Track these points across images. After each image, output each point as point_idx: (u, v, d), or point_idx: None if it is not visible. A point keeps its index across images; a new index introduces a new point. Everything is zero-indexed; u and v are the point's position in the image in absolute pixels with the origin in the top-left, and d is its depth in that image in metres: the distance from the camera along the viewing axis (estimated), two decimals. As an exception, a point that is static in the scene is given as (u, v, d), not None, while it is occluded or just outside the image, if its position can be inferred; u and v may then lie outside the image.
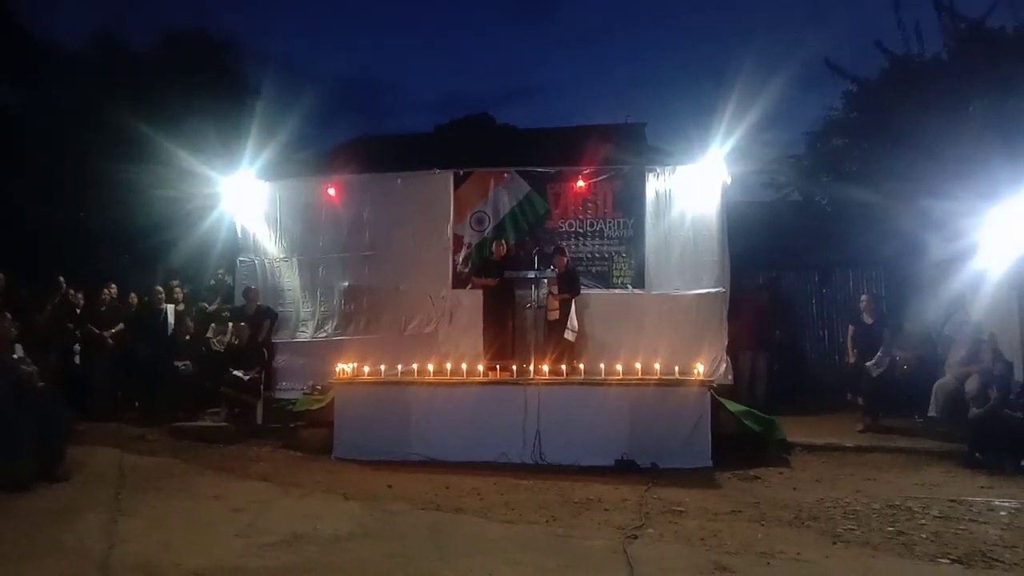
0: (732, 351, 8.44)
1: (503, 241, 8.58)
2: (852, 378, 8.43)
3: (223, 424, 8.03)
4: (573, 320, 8.12)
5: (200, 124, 11.08)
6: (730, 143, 8.38)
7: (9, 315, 6.39)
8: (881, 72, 9.77)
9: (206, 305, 9.75)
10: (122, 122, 10.52)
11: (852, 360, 8.42)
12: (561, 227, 8.98)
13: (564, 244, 8.72)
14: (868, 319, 8.49)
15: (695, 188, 8.62)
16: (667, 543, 4.57)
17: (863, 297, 8.88)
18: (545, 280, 7.77)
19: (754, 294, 9.24)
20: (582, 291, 8.48)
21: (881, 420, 7.90)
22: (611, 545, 4.51)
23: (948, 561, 4.26)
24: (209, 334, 9.34)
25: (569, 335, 8.03)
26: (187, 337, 9.15)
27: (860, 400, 8.16)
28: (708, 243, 8.52)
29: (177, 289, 9.72)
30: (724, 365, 8.28)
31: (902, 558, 4.32)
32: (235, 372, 8.15)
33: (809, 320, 10.89)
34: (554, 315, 7.92)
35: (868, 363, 8.04)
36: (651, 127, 13.61)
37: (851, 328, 8.70)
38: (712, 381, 7.06)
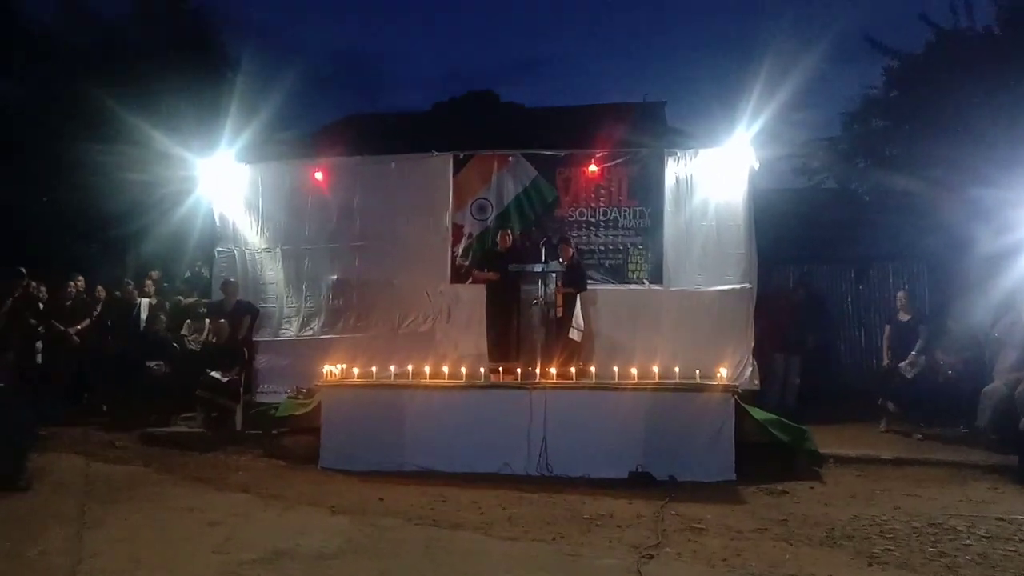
0: (759, 353, 8.44)
1: (508, 231, 8.57)
2: (883, 380, 8.45)
3: (199, 430, 8.06)
4: (578, 318, 8.12)
5: (175, 101, 11.11)
6: (758, 124, 8.35)
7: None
8: (926, 47, 9.72)
9: (181, 299, 9.78)
10: (90, 99, 10.55)
11: (887, 362, 8.43)
12: (571, 216, 8.98)
13: (574, 235, 8.74)
14: (904, 316, 8.50)
15: (719, 174, 8.59)
16: (686, 563, 4.56)
17: (900, 293, 8.86)
18: (553, 274, 7.77)
19: (785, 291, 9.22)
20: (594, 287, 8.49)
21: (922, 429, 7.90)
22: (624, 565, 4.50)
23: (995, 585, 4.25)
24: (184, 331, 9.38)
25: (574, 334, 8.02)
26: (160, 334, 9.18)
27: (889, 405, 8.19)
28: (733, 234, 8.51)
29: (150, 282, 9.74)
30: (750, 369, 8.25)
31: (945, 582, 4.32)
32: (212, 373, 8.17)
33: (844, 320, 10.87)
34: (559, 312, 7.91)
35: (901, 363, 8.04)
36: (671, 106, 13.63)
37: (887, 328, 8.70)
38: (736, 386, 7.06)
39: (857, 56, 10.46)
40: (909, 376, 7.97)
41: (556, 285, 7.79)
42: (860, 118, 10.71)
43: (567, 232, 8.78)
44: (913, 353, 8.01)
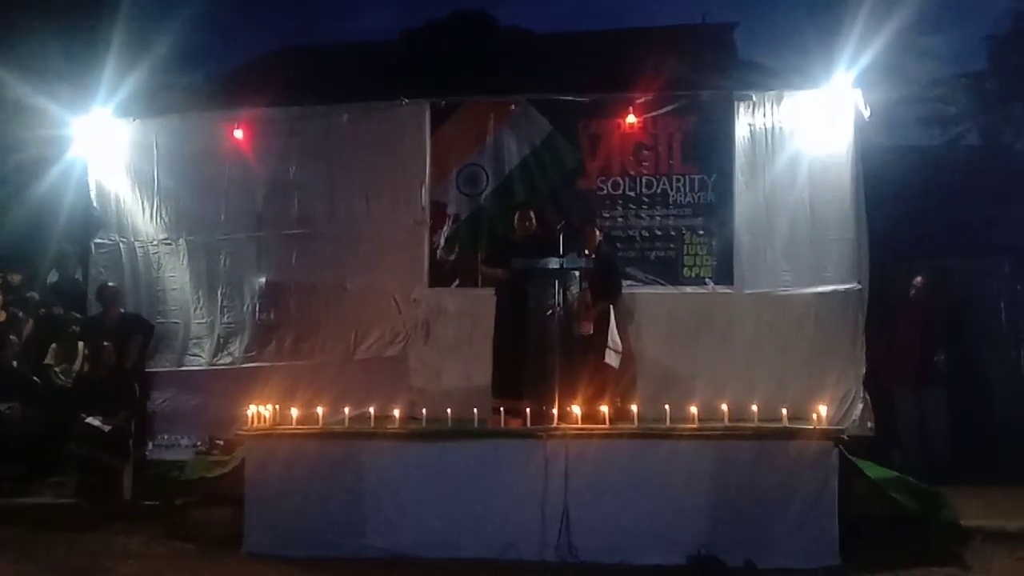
0: (875, 384, 8.41)
1: (530, 210, 8.38)
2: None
3: (71, 500, 8.03)
4: (614, 334, 8.13)
5: (35, 31, 11.09)
6: (868, 55, 8.33)
7: None
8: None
9: (58, 310, 9.77)
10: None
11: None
12: (601, 188, 8.98)
13: (605, 216, 8.80)
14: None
15: (813, 127, 8.58)
16: None
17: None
18: (576, 272, 7.73)
19: (919, 294, 9.05)
20: (634, 290, 8.56)
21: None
22: None
23: None
24: (49, 359, 9.36)
25: (611, 357, 8.06)
26: (14, 364, 9.17)
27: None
28: (835, 213, 8.48)
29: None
30: (860, 405, 8.26)
31: None
32: (90, 420, 8.16)
33: (995, 333, 10.77)
34: (587, 328, 7.90)
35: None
36: (744, 31, 13.54)
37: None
38: (842, 431, 7.03)
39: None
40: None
41: (581, 289, 7.77)
42: (1016, 45, 10.64)
43: (594, 211, 8.79)
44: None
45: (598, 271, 8.00)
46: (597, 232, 8.32)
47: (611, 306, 8.14)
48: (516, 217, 8.34)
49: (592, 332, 7.93)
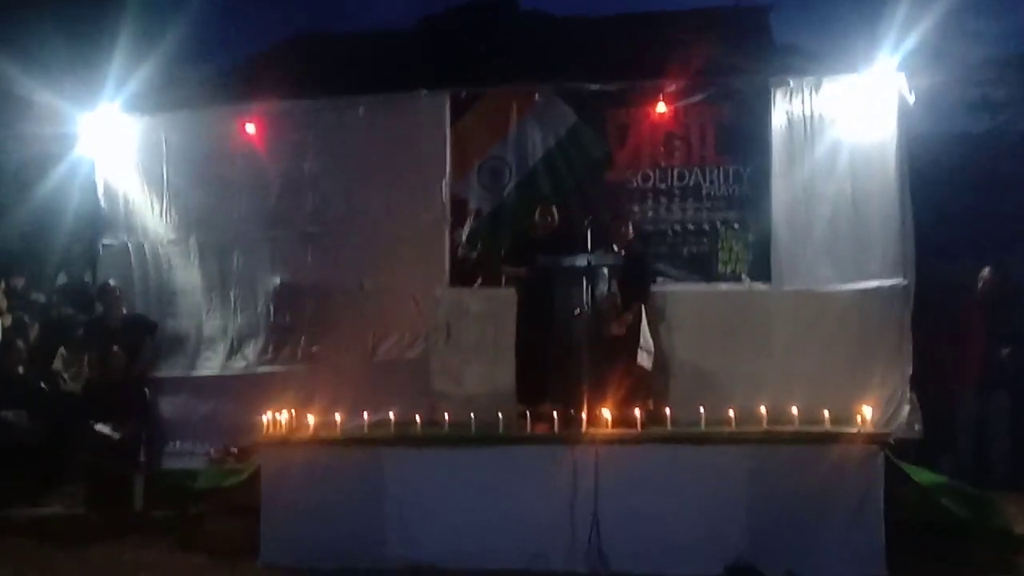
0: (931, 384, 8.36)
1: (551, 206, 8.44)
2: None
3: (80, 511, 8.10)
4: (646, 334, 8.20)
5: (41, 25, 11.17)
6: (913, 38, 8.26)
7: None
8: None
9: (70, 311, 9.92)
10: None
11: None
12: (631, 182, 8.99)
13: (635, 210, 8.79)
14: None
15: (854, 114, 8.55)
16: None
17: None
18: (605, 270, 7.75)
19: (987, 287, 8.93)
20: (666, 287, 8.59)
21: None
22: None
23: None
24: (57, 365, 9.46)
25: (644, 358, 8.07)
26: (20, 371, 9.25)
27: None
28: (879, 204, 8.46)
29: (1, 293, 9.83)
30: (907, 407, 8.19)
31: None
32: (99, 427, 8.22)
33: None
34: (619, 329, 7.94)
35: None
36: (781, 12, 13.43)
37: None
38: (888, 434, 7.02)
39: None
40: None
41: (609, 289, 7.78)
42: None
43: (624, 205, 8.80)
44: None
45: (630, 268, 7.99)
46: (629, 227, 8.31)
47: (643, 305, 8.14)
48: (537, 213, 8.38)
49: (625, 332, 7.94)
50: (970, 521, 6.76)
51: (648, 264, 8.43)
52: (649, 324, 8.23)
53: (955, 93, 10.31)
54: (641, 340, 8.07)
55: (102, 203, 9.63)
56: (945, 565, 6.46)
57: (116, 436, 8.22)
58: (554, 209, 8.38)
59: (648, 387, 8.03)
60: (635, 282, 8.09)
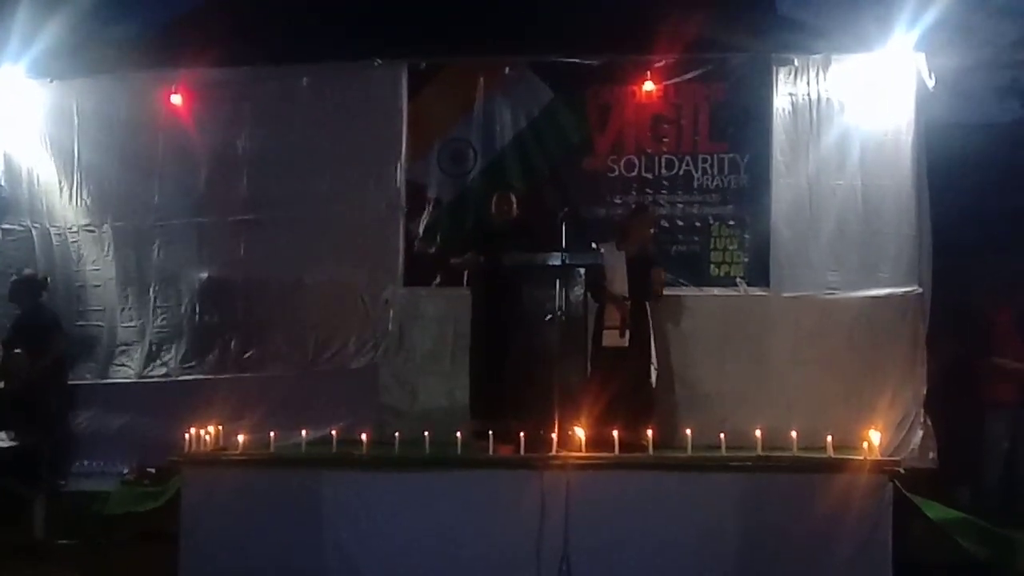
0: (939, 405, 8.36)
1: (508, 195, 8.47)
2: None
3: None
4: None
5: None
6: (934, 13, 8.27)
7: None
8: None
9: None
10: None
11: None
12: (612, 169, 9.01)
13: (617, 203, 8.86)
14: None
15: (867, 98, 8.60)
16: None
17: None
18: (581, 270, 7.71)
19: (999, 299, 8.97)
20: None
21: None
22: None
23: None
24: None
25: (652, 374, 8.08)
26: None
27: None
28: (892, 201, 8.51)
29: None
30: (921, 432, 8.25)
31: None
32: (-6, 438, 8.19)
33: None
34: (616, 337, 7.90)
35: None
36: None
37: None
38: (898, 463, 7.03)
39: None
40: None
41: (610, 296, 7.83)
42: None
43: (603, 196, 8.90)
44: None
45: (646, 273, 8.06)
46: (651, 222, 8.42)
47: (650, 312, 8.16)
48: (493, 202, 8.46)
49: (628, 344, 7.92)
50: (989, 560, 6.79)
51: (656, 263, 8.31)
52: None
53: (981, 76, 10.39)
54: (652, 354, 8.08)
55: (1, 181, 9.60)
56: (961, 612, 6.52)
57: (5, 445, 8.15)
58: (512, 197, 8.43)
59: (652, 408, 7.94)
60: (646, 291, 8.07)
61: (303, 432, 7.50)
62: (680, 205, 8.90)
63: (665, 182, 8.94)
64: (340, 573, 6.91)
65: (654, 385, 8.09)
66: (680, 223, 8.89)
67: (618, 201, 8.85)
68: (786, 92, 8.75)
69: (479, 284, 8.31)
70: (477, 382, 8.17)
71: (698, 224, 8.88)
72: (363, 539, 6.93)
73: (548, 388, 7.48)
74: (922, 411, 8.29)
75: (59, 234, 9.46)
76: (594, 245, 8.04)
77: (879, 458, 6.87)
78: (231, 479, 7.26)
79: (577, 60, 9.00)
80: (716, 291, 8.79)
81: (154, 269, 9.32)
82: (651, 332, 8.14)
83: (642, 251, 8.18)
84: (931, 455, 8.22)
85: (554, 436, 7.11)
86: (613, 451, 7.01)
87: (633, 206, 8.62)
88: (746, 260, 8.79)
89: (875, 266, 8.51)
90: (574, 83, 9.04)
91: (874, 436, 6.98)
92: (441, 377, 8.75)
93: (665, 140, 8.96)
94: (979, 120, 10.59)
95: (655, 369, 8.11)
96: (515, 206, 8.40)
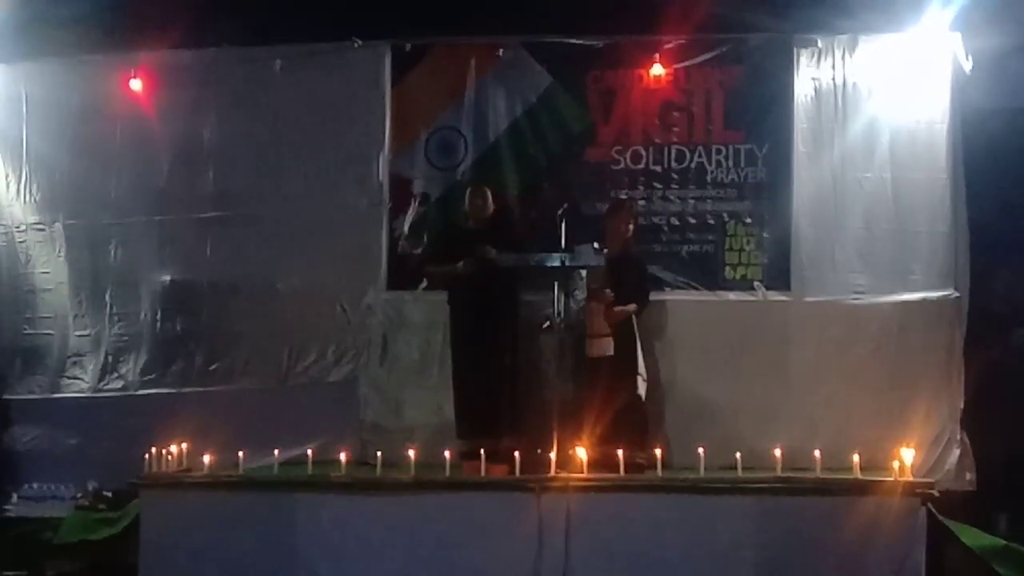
0: (977, 422, 8.32)
1: (483, 189, 8.48)
2: None
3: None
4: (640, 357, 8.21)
5: None
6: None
7: None
8: None
9: None
10: None
11: None
12: (617, 161, 8.94)
13: (623, 195, 8.75)
14: None
15: (897, 82, 8.57)
16: None
17: None
18: (583, 272, 7.77)
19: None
20: (665, 295, 8.55)
21: None
22: None
23: None
24: None
25: (640, 387, 8.04)
26: None
27: None
28: (925, 196, 8.47)
29: None
30: (957, 451, 8.19)
31: None
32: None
33: None
34: (602, 346, 7.89)
35: None
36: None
37: None
38: (932, 484, 6.95)
39: None
40: None
41: (594, 295, 7.81)
42: None
43: (608, 190, 8.81)
44: None
45: (625, 275, 8.07)
46: (631, 219, 8.32)
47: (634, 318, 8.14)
48: (467, 197, 8.53)
49: (613, 353, 7.90)
50: (1029, 591, 6.81)
51: (646, 270, 8.36)
52: (641, 342, 8.24)
53: (1019, 61, 10.28)
54: (639, 364, 8.10)
55: (-56, 176, 9.58)
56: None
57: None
58: (487, 192, 8.49)
59: (645, 423, 7.99)
60: (632, 288, 8.08)
61: (275, 452, 7.46)
62: (692, 201, 8.81)
63: (675, 176, 8.84)
64: (316, 603, 6.94)
65: (643, 398, 8.10)
66: (692, 221, 8.82)
67: (623, 197, 8.75)
68: (808, 76, 8.73)
69: (459, 290, 8.30)
70: (461, 399, 8.21)
71: (712, 222, 8.80)
72: (342, 570, 6.97)
73: (543, 403, 7.70)
74: (959, 428, 8.25)
75: (5, 233, 9.47)
76: (596, 245, 7.91)
77: (911, 479, 6.82)
78: (196, 504, 7.25)
79: (578, 41, 8.96)
80: (731, 295, 8.73)
81: (111, 272, 9.29)
82: (637, 340, 8.14)
83: (624, 251, 8.22)
84: (968, 476, 8.17)
85: (552, 456, 7.15)
86: (615, 472, 7.05)
87: (614, 201, 8.66)
88: (764, 261, 8.73)
89: (906, 268, 8.48)
90: (575, 66, 8.99)
91: (906, 455, 6.92)
92: (428, 390, 8.69)
93: (675, 129, 8.88)
94: (1021, 106, 10.41)
95: (644, 380, 8.11)
96: (490, 201, 8.45)
